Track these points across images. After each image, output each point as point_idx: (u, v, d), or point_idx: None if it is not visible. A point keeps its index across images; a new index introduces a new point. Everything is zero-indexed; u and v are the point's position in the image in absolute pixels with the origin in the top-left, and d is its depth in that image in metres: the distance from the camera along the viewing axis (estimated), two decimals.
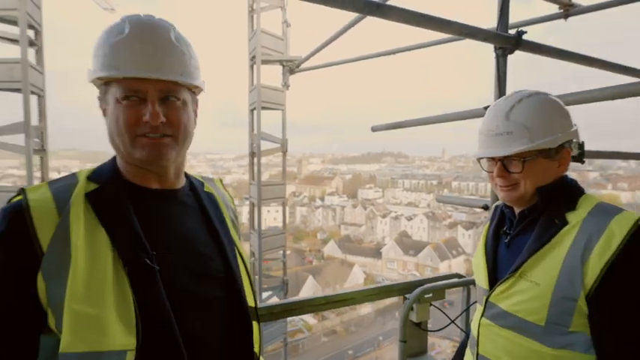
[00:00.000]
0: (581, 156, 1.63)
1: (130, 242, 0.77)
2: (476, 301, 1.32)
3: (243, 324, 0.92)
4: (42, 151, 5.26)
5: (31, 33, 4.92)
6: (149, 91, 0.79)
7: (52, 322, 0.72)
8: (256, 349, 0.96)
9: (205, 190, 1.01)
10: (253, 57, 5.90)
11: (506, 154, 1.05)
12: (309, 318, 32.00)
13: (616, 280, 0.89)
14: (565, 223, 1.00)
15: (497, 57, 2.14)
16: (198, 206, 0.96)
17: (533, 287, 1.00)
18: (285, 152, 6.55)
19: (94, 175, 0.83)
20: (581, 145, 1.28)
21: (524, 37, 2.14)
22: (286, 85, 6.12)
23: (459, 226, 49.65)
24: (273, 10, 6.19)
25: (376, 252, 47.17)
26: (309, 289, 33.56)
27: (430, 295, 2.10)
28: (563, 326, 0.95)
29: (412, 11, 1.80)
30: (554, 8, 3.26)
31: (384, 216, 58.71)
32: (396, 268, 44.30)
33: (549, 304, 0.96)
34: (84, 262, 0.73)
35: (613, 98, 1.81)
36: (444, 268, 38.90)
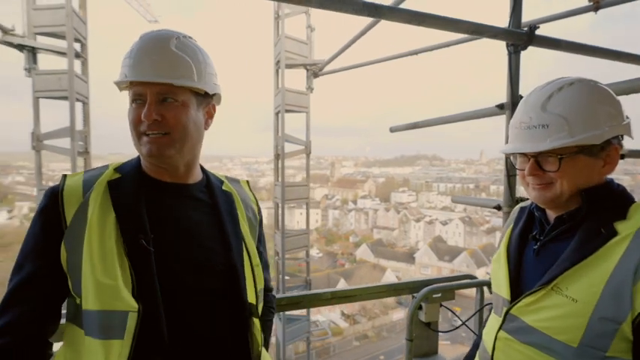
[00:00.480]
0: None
1: (133, 225, 0.89)
2: (489, 303, 1.26)
3: (239, 317, 0.98)
4: (86, 153, 5.73)
5: (77, 46, 5.41)
6: (147, 93, 0.90)
7: (70, 286, 0.88)
8: (255, 343, 1.01)
9: (223, 188, 1.09)
10: (278, 61, 6.09)
11: (541, 149, 0.93)
12: (340, 321, 31.88)
13: None
14: (614, 233, 0.88)
15: (510, 54, 2.11)
16: (210, 202, 1.04)
17: (570, 303, 0.88)
18: (309, 154, 6.66)
19: (120, 168, 0.98)
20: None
21: (539, 32, 2.10)
22: (310, 89, 6.25)
23: (498, 232, 47.53)
24: (297, 16, 6.35)
25: (409, 257, 46.18)
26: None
27: (439, 295, 2.08)
28: (600, 350, 0.85)
29: (416, 12, 1.82)
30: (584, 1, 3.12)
31: (417, 220, 57.36)
32: (430, 274, 43.15)
33: (587, 325, 0.86)
34: (96, 238, 0.87)
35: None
36: (481, 274, 37.37)
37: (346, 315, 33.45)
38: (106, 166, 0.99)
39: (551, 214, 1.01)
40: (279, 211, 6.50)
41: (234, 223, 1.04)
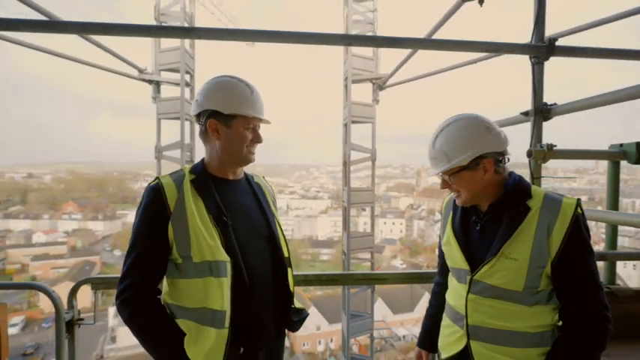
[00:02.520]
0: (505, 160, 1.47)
1: (215, 208, 1.33)
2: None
3: (280, 266, 1.45)
4: (191, 162, 7.07)
5: (187, 77, 6.78)
6: (257, 125, 1.44)
7: (175, 250, 1.29)
8: (290, 287, 1.47)
9: (255, 181, 1.54)
10: (346, 78, 6.69)
11: (434, 174, 1.36)
12: None
13: (571, 247, 1.22)
14: (528, 209, 1.27)
15: (533, 65, 2.27)
16: (251, 191, 1.49)
17: (514, 263, 1.26)
18: (374, 161, 7.10)
19: (192, 170, 1.40)
20: (501, 153, 1.33)
21: (567, 42, 2.24)
22: (376, 101, 6.69)
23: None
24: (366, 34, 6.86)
25: None
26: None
27: None
28: (535, 288, 1.26)
29: (433, 39, 2.18)
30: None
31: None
32: None
33: (526, 274, 1.25)
34: (197, 217, 1.29)
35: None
36: None
37: None
38: (182, 169, 1.41)
39: (482, 205, 1.37)
40: (347, 214, 7.01)
41: (267, 205, 1.50)
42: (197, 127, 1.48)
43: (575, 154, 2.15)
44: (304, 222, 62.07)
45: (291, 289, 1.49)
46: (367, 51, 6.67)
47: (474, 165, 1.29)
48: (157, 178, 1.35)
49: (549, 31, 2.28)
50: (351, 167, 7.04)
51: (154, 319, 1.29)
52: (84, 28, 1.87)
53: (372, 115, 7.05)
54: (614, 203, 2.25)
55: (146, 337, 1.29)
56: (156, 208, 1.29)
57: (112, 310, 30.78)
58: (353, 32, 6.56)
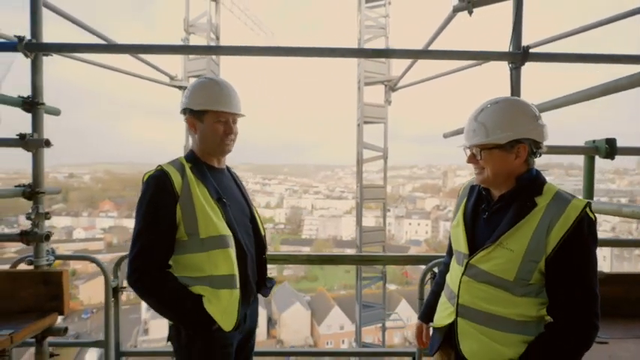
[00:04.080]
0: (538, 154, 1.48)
1: (214, 191, 1.52)
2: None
3: (260, 241, 1.68)
4: None
5: None
6: (231, 119, 1.60)
7: (182, 229, 1.43)
8: (266, 260, 1.70)
9: (232, 170, 1.74)
10: (359, 80, 7.01)
11: (467, 145, 1.36)
12: None
13: (567, 248, 1.21)
14: (535, 205, 1.27)
15: (510, 70, 2.51)
16: (232, 178, 1.70)
17: (509, 253, 1.27)
18: (386, 159, 7.38)
19: (187, 160, 1.55)
20: (538, 144, 1.34)
21: (545, 49, 2.47)
22: (388, 101, 6.98)
23: None
24: (378, 39, 7.22)
25: None
26: None
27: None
28: (526, 280, 1.26)
29: (420, 50, 2.47)
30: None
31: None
32: None
33: (519, 266, 1.26)
34: (202, 199, 1.46)
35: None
36: None
37: None
38: (178, 159, 1.56)
39: (495, 193, 1.40)
40: (359, 209, 7.34)
41: (245, 190, 1.73)
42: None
43: (550, 150, 2.37)
44: (328, 222, 62.33)
45: (266, 260, 1.74)
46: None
47: (509, 146, 1.29)
48: (160, 166, 1.48)
49: (532, 39, 2.52)
50: (364, 166, 7.39)
51: (174, 286, 1.43)
52: (132, 49, 2.33)
53: (384, 116, 7.36)
54: (589, 194, 2.46)
55: (168, 304, 1.43)
56: (165, 193, 1.43)
57: (145, 304, 32.31)
58: (366, 37, 6.94)
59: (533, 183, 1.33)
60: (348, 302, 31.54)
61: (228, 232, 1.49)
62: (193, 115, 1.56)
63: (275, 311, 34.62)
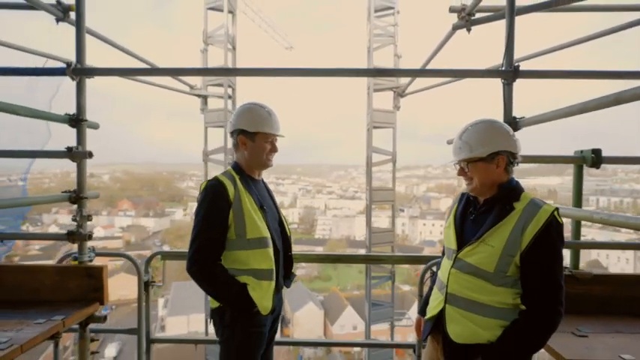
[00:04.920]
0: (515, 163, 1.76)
1: (257, 199, 1.84)
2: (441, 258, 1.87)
3: (287, 242, 2.00)
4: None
5: (230, 91, 7.70)
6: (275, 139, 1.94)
7: (232, 230, 1.75)
8: (292, 257, 2.03)
9: (265, 181, 2.05)
10: (368, 87, 7.25)
11: (455, 160, 1.63)
12: None
13: (538, 246, 1.45)
14: (513, 209, 1.53)
15: (503, 86, 2.71)
16: (266, 188, 2.01)
17: (490, 248, 1.51)
18: (394, 162, 7.63)
19: (235, 171, 1.87)
20: (514, 155, 1.61)
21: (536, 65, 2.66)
22: (397, 107, 7.23)
23: None
24: (387, 47, 7.42)
25: None
26: None
27: None
28: (504, 272, 1.50)
29: (417, 69, 2.70)
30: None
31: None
32: None
33: (498, 259, 1.49)
34: (250, 205, 1.78)
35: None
36: None
37: None
38: (228, 172, 1.86)
39: (480, 199, 1.66)
40: (369, 211, 7.59)
41: (273, 197, 2.05)
42: (230, 140, 1.99)
43: (540, 159, 2.57)
44: (342, 222, 62.45)
45: (292, 258, 2.06)
46: (388, 62, 7.23)
47: (490, 158, 1.55)
48: (216, 177, 1.81)
49: (529, 52, 2.71)
50: (378, 167, 7.63)
51: (225, 277, 1.75)
52: (166, 72, 2.63)
53: (393, 121, 7.61)
54: (578, 201, 2.64)
55: (220, 291, 1.75)
56: (221, 199, 1.74)
57: (162, 301, 33.27)
58: (375, 45, 7.19)
59: (512, 191, 1.59)
60: (361, 302, 31.49)
61: (268, 234, 1.81)
62: (245, 135, 1.86)
63: (288, 310, 34.99)
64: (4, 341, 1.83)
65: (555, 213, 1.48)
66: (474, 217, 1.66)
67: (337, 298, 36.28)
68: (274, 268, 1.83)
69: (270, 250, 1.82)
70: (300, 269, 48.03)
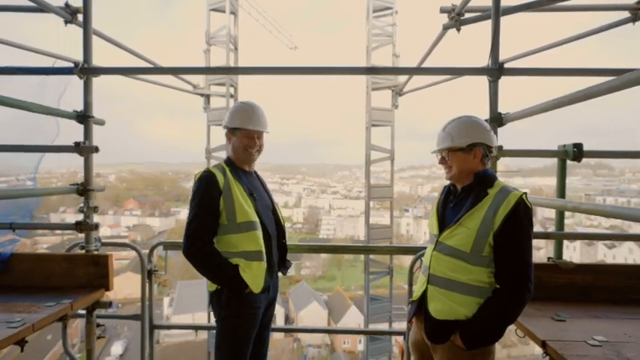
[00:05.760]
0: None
1: (247, 188, 2.00)
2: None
3: (280, 229, 2.16)
4: None
5: (232, 90, 7.86)
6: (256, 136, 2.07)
7: (224, 215, 1.91)
8: (286, 244, 2.18)
9: (258, 173, 2.21)
10: (367, 86, 7.37)
11: (438, 149, 1.80)
12: None
13: (508, 226, 1.59)
14: (486, 194, 1.69)
15: (489, 83, 2.82)
16: (259, 180, 2.18)
17: (466, 230, 1.65)
18: (392, 160, 7.76)
19: (227, 164, 2.04)
20: (490, 148, 1.79)
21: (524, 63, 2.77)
22: (395, 106, 7.35)
23: None
24: (385, 47, 7.54)
25: None
26: None
27: None
28: (479, 252, 1.63)
29: (408, 67, 2.82)
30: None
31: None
32: None
33: (474, 240, 1.63)
34: (240, 194, 1.94)
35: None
36: None
37: None
38: (219, 163, 2.04)
39: (459, 187, 1.82)
40: (367, 207, 7.73)
41: (269, 190, 2.21)
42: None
43: (523, 153, 2.68)
44: (346, 222, 62.53)
45: (286, 245, 2.21)
46: (387, 62, 7.34)
47: (468, 149, 1.73)
48: (208, 169, 2.00)
49: (515, 52, 2.82)
50: (381, 167, 7.75)
51: (218, 256, 1.91)
52: (170, 71, 2.78)
53: (391, 119, 7.74)
54: (561, 192, 2.75)
55: (215, 272, 1.90)
56: (212, 189, 1.92)
57: (167, 300, 33.62)
58: (373, 45, 7.32)
59: (486, 179, 1.75)
60: (364, 302, 31.52)
61: (256, 218, 1.97)
62: (230, 131, 2.05)
63: (292, 309, 35.15)
64: (18, 320, 1.98)
65: (523, 197, 1.62)
66: (453, 204, 1.81)
67: (341, 298, 36.36)
68: (263, 250, 1.97)
69: (259, 232, 1.97)
70: (304, 269, 48.19)
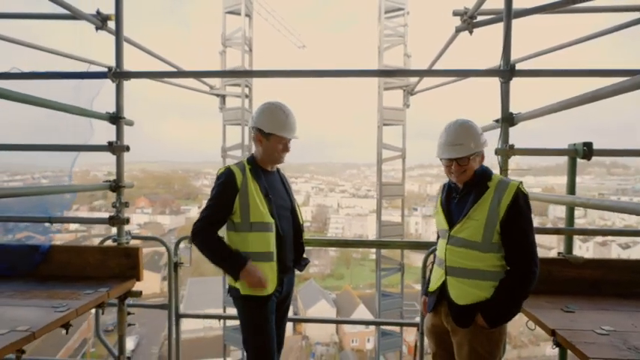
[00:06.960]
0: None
1: (264, 188, 2.05)
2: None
3: (298, 229, 2.20)
4: None
5: (247, 90, 8.05)
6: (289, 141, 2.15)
7: (237, 213, 1.98)
8: (303, 243, 2.25)
9: (281, 172, 2.25)
10: (379, 86, 7.48)
11: (466, 154, 1.86)
12: None
13: (511, 213, 1.78)
14: (487, 187, 1.87)
15: (501, 84, 2.89)
16: (280, 180, 2.22)
17: (475, 222, 1.82)
18: (404, 159, 7.86)
19: (248, 162, 2.09)
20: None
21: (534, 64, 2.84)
22: (406, 105, 7.45)
23: None
24: (397, 47, 7.64)
25: None
26: None
27: None
28: (490, 240, 1.80)
29: (420, 70, 2.92)
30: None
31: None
32: None
33: (483, 230, 1.80)
34: (256, 193, 2.00)
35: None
36: None
37: None
38: (241, 161, 2.09)
39: (460, 185, 1.96)
40: (379, 205, 7.84)
41: (290, 190, 2.25)
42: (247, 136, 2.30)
43: (534, 152, 2.77)
44: (354, 220, 62.48)
45: (304, 244, 2.28)
46: (398, 62, 7.44)
47: (480, 152, 1.92)
48: (229, 166, 2.07)
49: (530, 52, 2.89)
50: (391, 165, 7.86)
51: (221, 242, 2.00)
52: (194, 74, 2.95)
53: (403, 118, 7.86)
54: (571, 189, 2.84)
55: (217, 255, 1.98)
56: (230, 185, 1.99)
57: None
58: (385, 45, 7.42)
59: (484, 173, 1.93)
60: (373, 300, 31.39)
61: (269, 219, 2.01)
62: (262, 134, 2.06)
63: (301, 308, 35.35)
64: (64, 305, 2.17)
65: (520, 186, 1.83)
66: (457, 200, 1.96)
67: (350, 296, 36.42)
68: (274, 250, 2.02)
69: (271, 234, 2.01)
70: (312, 267, 48.33)
